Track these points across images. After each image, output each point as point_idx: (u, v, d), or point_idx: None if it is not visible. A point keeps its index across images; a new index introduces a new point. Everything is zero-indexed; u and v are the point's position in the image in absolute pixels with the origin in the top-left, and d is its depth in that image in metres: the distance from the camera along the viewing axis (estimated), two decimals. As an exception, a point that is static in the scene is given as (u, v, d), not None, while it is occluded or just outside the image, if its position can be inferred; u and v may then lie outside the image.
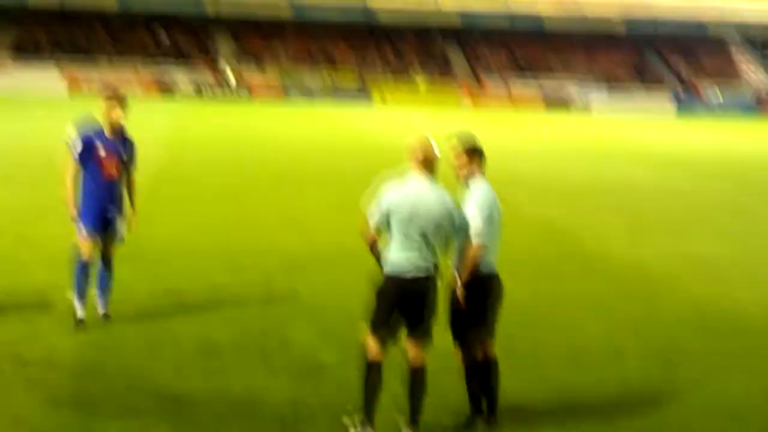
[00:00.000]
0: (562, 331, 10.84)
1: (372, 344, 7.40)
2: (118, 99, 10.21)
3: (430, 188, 7.37)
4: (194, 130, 39.13)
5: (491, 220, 7.54)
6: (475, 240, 7.44)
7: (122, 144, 10.28)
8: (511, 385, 8.44)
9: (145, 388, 8.37)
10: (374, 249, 7.45)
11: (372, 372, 7.37)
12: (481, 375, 7.71)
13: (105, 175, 10.15)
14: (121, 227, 10.39)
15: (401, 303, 7.33)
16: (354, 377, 8.46)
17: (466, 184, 7.72)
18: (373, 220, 7.36)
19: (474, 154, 7.74)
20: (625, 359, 9.92)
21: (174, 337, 9.90)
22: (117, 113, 10.13)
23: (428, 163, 7.43)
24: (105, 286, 10.40)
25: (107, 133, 10.17)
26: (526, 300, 11.98)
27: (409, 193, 7.34)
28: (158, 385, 8.47)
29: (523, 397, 8.50)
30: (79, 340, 9.69)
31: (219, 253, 14.22)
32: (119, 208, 10.35)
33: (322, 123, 47.27)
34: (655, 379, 9.34)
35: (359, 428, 7.33)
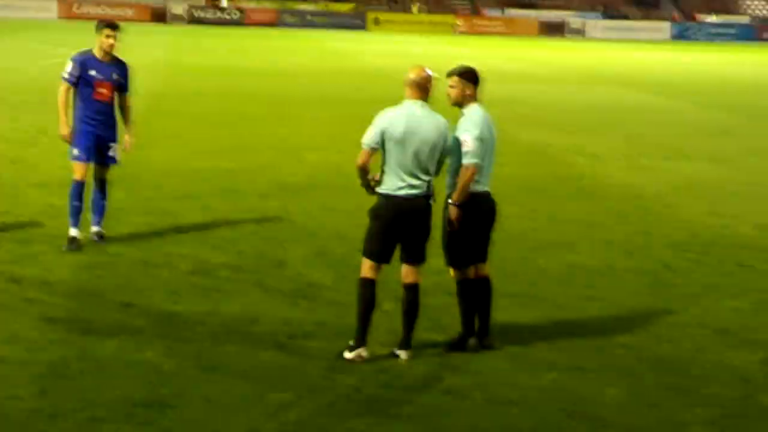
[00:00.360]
0: (555, 251, 10.90)
1: (367, 264, 7.45)
2: (110, 26, 10.26)
3: (424, 111, 7.37)
4: (188, 56, 38.87)
5: (483, 140, 7.52)
6: (467, 160, 7.44)
7: (116, 68, 10.29)
8: (503, 303, 8.52)
9: (140, 307, 8.43)
10: (364, 170, 7.43)
11: (366, 289, 7.43)
12: (473, 294, 7.76)
13: (98, 98, 10.16)
14: (116, 150, 10.41)
15: (396, 223, 7.36)
16: (348, 298, 8.57)
17: (461, 109, 7.69)
18: (368, 141, 7.35)
19: (468, 79, 7.69)
20: (617, 278, 10.00)
21: (168, 258, 9.95)
22: (110, 40, 10.17)
23: (422, 89, 7.43)
24: (99, 208, 10.44)
25: (100, 58, 10.20)
26: (520, 221, 12.03)
27: (403, 116, 7.35)
28: (153, 304, 8.53)
29: (515, 316, 8.57)
30: (74, 260, 9.74)
31: (213, 177, 14.23)
32: (113, 131, 10.36)
33: (316, 48, 46.97)
34: (647, 296, 9.42)
35: (354, 349, 7.40)
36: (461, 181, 7.47)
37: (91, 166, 10.32)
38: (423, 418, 6.53)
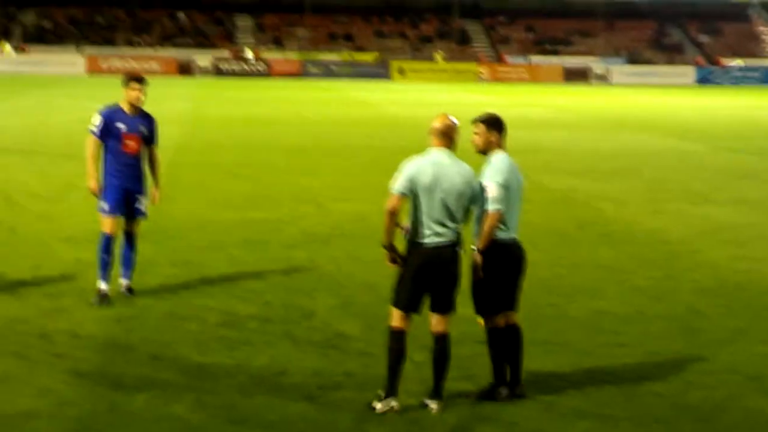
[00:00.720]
0: (583, 297, 10.86)
1: (396, 314, 7.44)
2: (137, 80, 10.39)
3: (450, 160, 7.41)
4: (213, 108, 39.20)
5: (508, 187, 7.54)
6: (492, 207, 7.45)
7: (143, 121, 10.41)
8: (531, 351, 8.47)
9: (169, 360, 8.45)
10: (393, 215, 7.37)
11: (395, 340, 7.40)
12: (504, 343, 7.73)
13: (126, 151, 10.26)
14: (144, 203, 10.49)
15: (424, 272, 7.35)
16: (376, 348, 8.56)
17: (487, 157, 7.72)
18: (398, 188, 7.35)
19: (493, 126, 7.73)
20: (645, 324, 9.93)
21: (196, 311, 9.98)
22: (136, 93, 10.29)
23: (447, 137, 7.47)
24: (129, 262, 10.50)
25: (127, 111, 10.31)
26: (546, 267, 12.00)
27: (430, 164, 7.37)
28: (182, 357, 8.55)
29: (544, 364, 8.52)
30: (103, 314, 9.79)
31: (238, 228, 14.30)
32: (141, 184, 10.45)
33: (339, 98, 47.26)
34: (676, 342, 9.35)
35: (383, 399, 7.37)
36: (485, 227, 7.48)
37: (120, 219, 10.40)
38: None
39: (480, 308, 7.71)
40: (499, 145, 7.71)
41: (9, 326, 9.30)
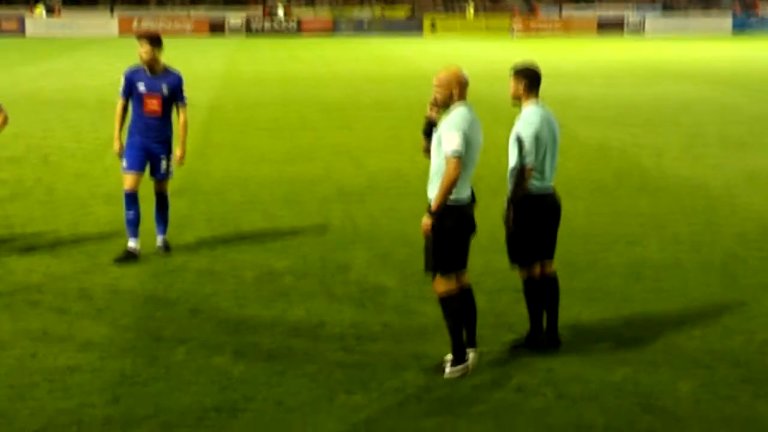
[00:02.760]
0: (621, 247, 10.79)
1: (449, 278, 7.18)
2: (147, 37, 10.21)
3: (474, 113, 7.25)
4: (246, 67, 39.18)
5: (539, 139, 7.41)
6: (522, 160, 7.35)
7: (166, 80, 10.24)
8: (570, 299, 8.45)
9: (208, 313, 8.50)
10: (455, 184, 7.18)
11: (454, 303, 7.16)
12: (540, 292, 7.69)
13: (146, 111, 10.20)
14: (168, 164, 10.44)
15: (467, 231, 7.23)
16: (412, 300, 8.59)
17: (519, 108, 7.61)
18: (460, 149, 6.86)
19: (524, 77, 7.59)
20: (684, 272, 9.85)
21: (233, 266, 10.02)
22: (140, 51, 10.13)
23: (467, 89, 7.28)
24: (162, 219, 10.53)
25: (147, 71, 10.21)
26: (584, 217, 11.95)
27: (471, 118, 7.19)
28: (220, 310, 8.60)
29: (583, 312, 8.50)
30: (141, 270, 9.85)
31: (273, 184, 14.31)
32: (163, 145, 10.36)
33: (372, 54, 47.06)
34: (716, 289, 9.28)
35: (457, 363, 7.18)
36: (515, 180, 7.40)
37: (139, 176, 10.31)
38: (493, 416, 6.49)
39: (514, 257, 7.66)
40: (531, 95, 7.57)
41: (49, 283, 9.39)
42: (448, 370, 7.15)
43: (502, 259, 7.90)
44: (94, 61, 42.24)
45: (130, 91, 10.21)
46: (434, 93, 7.13)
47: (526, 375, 7.13)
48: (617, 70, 37.51)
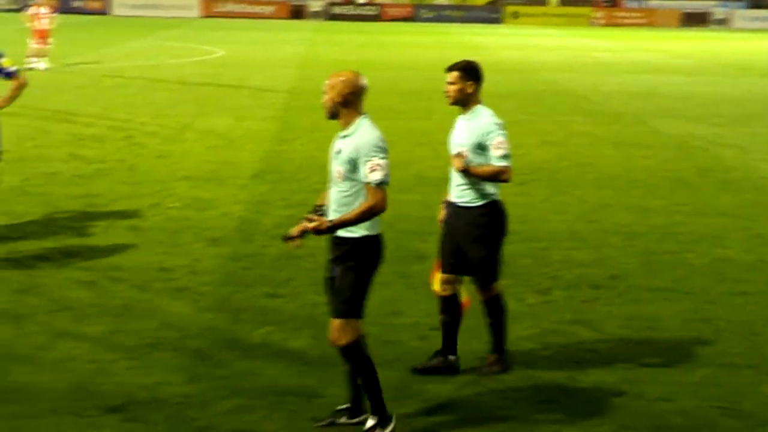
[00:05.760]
0: (704, 245, 10.60)
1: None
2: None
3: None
4: (325, 52, 39.28)
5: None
6: (506, 161, 7.00)
7: None
8: (651, 298, 8.34)
9: (286, 297, 8.56)
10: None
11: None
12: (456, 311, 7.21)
13: None
14: None
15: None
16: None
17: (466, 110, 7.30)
18: (389, 178, 6.52)
19: (471, 76, 7.26)
20: (768, 271, 9.68)
21: (311, 250, 9.95)
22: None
23: None
24: None
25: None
26: (664, 215, 11.77)
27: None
28: (298, 294, 8.64)
29: (663, 311, 8.37)
30: (221, 252, 9.94)
31: (353, 170, 14.30)
32: None
33: (452, 42, 46.86)
34: (801, 292, 9.09)
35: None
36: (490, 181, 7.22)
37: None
38: (571, 413, 6.42)
39: (497, 274, 7.09)
40: (477, 96, 7.12)
41: (131, 260, 9.53)
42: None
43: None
44: (176, 42, 42.69)
45: None
46: (323, 99, 6.32)
47: (604, 374, 7.05)
48: (701, 64, 36.86)
